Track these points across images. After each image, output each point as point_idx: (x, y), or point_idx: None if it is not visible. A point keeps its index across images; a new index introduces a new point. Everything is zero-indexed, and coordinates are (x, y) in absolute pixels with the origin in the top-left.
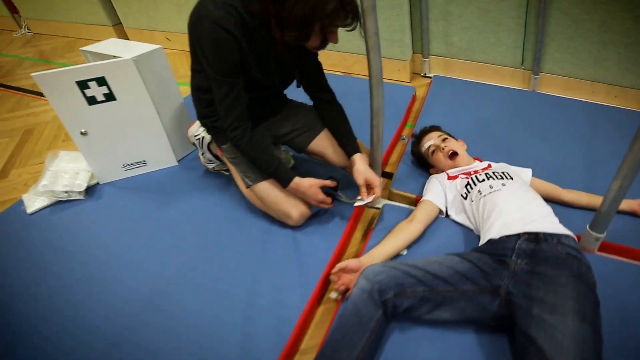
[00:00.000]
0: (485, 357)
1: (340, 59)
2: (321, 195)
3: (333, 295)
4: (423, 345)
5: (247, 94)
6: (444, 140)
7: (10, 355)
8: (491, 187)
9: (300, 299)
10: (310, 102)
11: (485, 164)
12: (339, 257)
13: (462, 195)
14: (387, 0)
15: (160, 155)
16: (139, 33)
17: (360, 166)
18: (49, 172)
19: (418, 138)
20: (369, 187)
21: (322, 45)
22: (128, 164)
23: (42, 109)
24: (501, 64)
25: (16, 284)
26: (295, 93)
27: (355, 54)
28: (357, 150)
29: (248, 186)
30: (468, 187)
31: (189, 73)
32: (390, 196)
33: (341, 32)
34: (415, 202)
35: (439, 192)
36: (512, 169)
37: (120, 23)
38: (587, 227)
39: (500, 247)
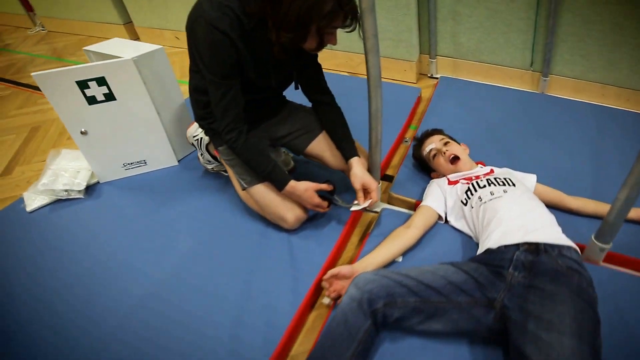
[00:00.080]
0: None
1: (346, 59)
2: (317, 199)
3: (326, 301)
4: (414, 356)
5: (244, 96)
6: (445, 144)
7: (8, 356)
8: (492, 193)
9: (292, 304)
10: (309, 104)
11: (487, 169)
12: (333, 263)
13: (462, 202)
14: (394, 0)
15: (161, 155)
16: (150, 32)
17: (358, 170)
18: (49, 171)
19: (420, 141)
20: (366, 192)
21: (320, 47)
22: (128, 164)
23: (49, 106)
24: (510, 65)
25: (14, 283)
26: (295, 94)
27: (361, 54)
28: (354, 153)
29: (244, 188)
30: (468, 192)
31: None
32: (390, 200)
33: (346, 32)
34: (414, 207)
35: (439, 197)
36: (516, 175)
37: (131, 22)
38: (592, 237)
39: (498, 258)
